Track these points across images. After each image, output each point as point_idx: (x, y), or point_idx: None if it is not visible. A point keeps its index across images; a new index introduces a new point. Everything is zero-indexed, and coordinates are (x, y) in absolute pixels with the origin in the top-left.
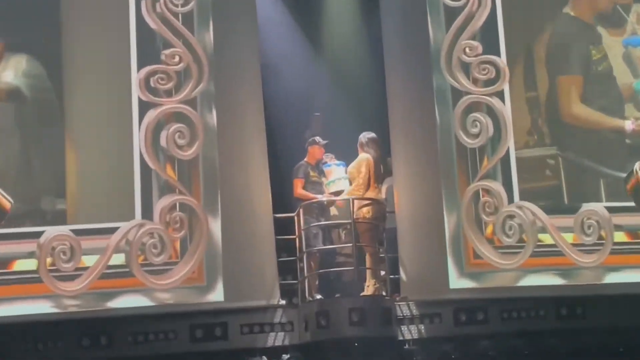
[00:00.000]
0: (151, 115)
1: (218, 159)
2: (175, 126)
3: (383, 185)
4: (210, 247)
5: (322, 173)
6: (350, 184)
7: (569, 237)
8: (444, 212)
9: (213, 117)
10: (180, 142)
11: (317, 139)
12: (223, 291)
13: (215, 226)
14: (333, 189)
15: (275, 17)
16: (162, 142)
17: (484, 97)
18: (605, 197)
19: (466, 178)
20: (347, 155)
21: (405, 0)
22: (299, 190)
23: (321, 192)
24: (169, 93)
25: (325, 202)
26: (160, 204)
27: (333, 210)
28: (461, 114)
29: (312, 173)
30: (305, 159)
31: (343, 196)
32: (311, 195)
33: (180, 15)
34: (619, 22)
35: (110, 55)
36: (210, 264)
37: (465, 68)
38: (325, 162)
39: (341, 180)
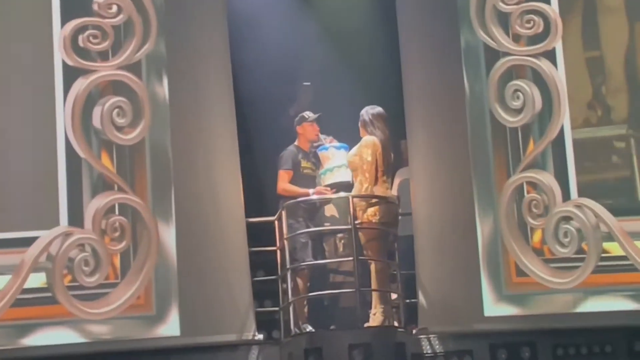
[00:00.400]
0: (80, 85)
1: (171, 145)
2: (113, 100)
3: (395, 178)
4: (161, 263)
5: (318, 162)
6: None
7: None
8: (476, 214)
9: (164, 88)
10: (120, 121)
11: (307, 114)
12: (179, 323)
13: (168, 235)
14: (330, 180)
15: None
16: (96, 121)
17: (528, 58)
18: None
19: (505, 168)
20: (345, 139)
21: None
22: (284, 184)
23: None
24: (104, 56)
25: (316, 201)
26: (93, 205)
27: (330, 210)
28: (498, 81)
29: (304, 163)
30: (295, 143)
31: (348, 192)
32: (300, 190)
33: None
34: None
35: (25, 4)
36: (161, 287)
37: (504, 20)
38: (321, 145)
39: (342, 169)
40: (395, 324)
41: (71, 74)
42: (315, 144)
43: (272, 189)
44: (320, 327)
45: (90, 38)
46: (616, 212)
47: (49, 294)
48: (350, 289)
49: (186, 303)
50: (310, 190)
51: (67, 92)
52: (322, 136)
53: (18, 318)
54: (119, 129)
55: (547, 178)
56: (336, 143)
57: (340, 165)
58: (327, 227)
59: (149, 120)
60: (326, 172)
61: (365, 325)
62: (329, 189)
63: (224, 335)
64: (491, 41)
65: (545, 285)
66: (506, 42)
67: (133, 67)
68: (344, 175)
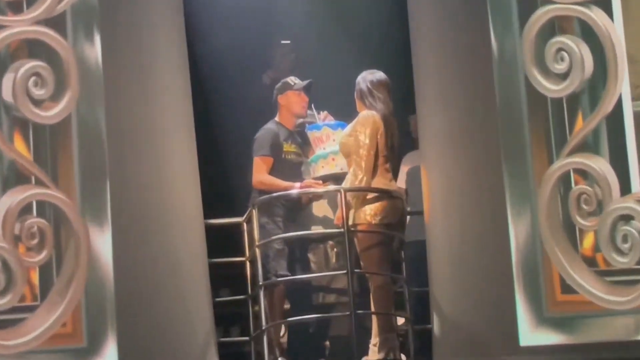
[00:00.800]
0: None
1: (105, 124)
2: (29, 65)
3: (401, 165)
4: (93, 279)
5: (305, 144)
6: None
7: None
8: (508, 213)
9: (96, 49)
10: (38, 93)
11: (292, 79)
12: (117, 358)
13: (102, 242)
14: (324, 170)
15: None
16: (6, 93)
17: (575, 7)
18: None
19: (546, 152)
20: (336, 115)
21: None
22: (261, 175)
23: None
24: (16, 7)
25: (297, 197)
26: (3, 204)
27: (321, 209)
28: (535, 38)
29: (287, 145)
30: (275, 119)
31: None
32: (283, 183)
33: None
34: None
35: None
36: (94, 310)
37: None
38: (311, 123)
39: (338, 156)
40: (403, 357)
41: None
42: (300, 121)
43: (242, 182)
44: None
45: None
46: None
47: None
48: (343, 312)
49: (126, 332)
50: (297, 184)
51: None
52: (312, 111)
53: None
54: (37, 103)
55: (600, 165)
56: (332, 120)
57: (338, 150)
58: (312, 231)
59: (76, 92)
60: (318, 158)
61: (364, 359)
62: (320, 181)
63: None
64: None
65: (599, 305)
66: None
67: (55, 22)
68: (343, 164)
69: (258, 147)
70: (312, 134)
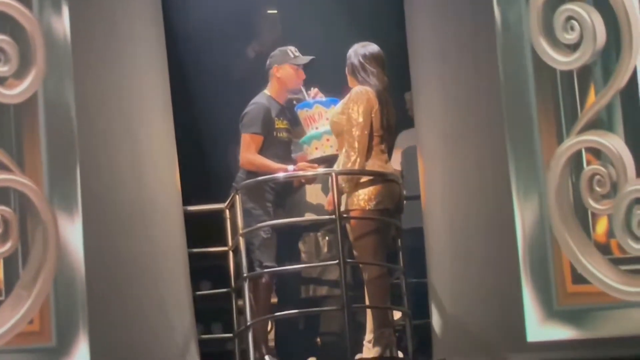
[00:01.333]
0: None
1: (75, 103)
2: None
3: (396, 146)
4: (63, 273)
5: (295, 121)
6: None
7: None
8: (514, 197)
9: (63, 22)
10: (1, 69)
11: (292, 50)
12: (89, 357)
13: (73, 232)
14: (317, 152)
15: None
16: None
17: None
18: None
19: (555, 130)
20: (327, 92)
21: None
22: (250, 154)
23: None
24: None
25: (287, 181)
26: None
27: (315, 195)
28: (543, 6)
29: (279, 122)
30: (265, 91)
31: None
32: (275, 165)
33: None
34: None
35: None
36: (63, 306)
37: None
38: (299, 101)
39: (333, 137)
40: (400, 354)
41: None
42: (289, 92)
43: (224, 165)
44: None
45: None
46: None
47: None
48: (335, 307)
49: (98, 329)
50: (290, 167)
51: None
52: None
53: None
54: (0, 80)
55: (614, 143)
56: (322, 97)
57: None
58: (299, 218)
59: (42, 68)
60: (311, 139)
61: (357, 357)
62: (316, 165)
63: None
64: None
65: (614, 296)
66: None
67: None
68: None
69: (248, 123)
70: (302, 113)
